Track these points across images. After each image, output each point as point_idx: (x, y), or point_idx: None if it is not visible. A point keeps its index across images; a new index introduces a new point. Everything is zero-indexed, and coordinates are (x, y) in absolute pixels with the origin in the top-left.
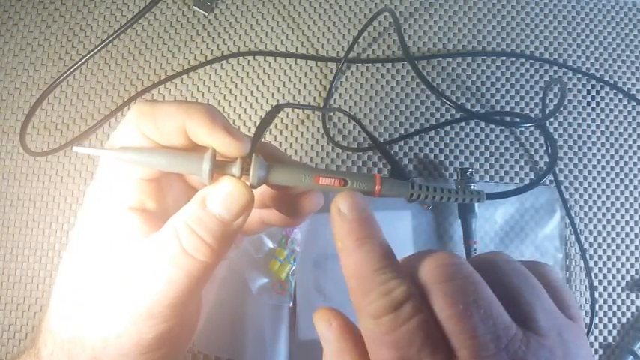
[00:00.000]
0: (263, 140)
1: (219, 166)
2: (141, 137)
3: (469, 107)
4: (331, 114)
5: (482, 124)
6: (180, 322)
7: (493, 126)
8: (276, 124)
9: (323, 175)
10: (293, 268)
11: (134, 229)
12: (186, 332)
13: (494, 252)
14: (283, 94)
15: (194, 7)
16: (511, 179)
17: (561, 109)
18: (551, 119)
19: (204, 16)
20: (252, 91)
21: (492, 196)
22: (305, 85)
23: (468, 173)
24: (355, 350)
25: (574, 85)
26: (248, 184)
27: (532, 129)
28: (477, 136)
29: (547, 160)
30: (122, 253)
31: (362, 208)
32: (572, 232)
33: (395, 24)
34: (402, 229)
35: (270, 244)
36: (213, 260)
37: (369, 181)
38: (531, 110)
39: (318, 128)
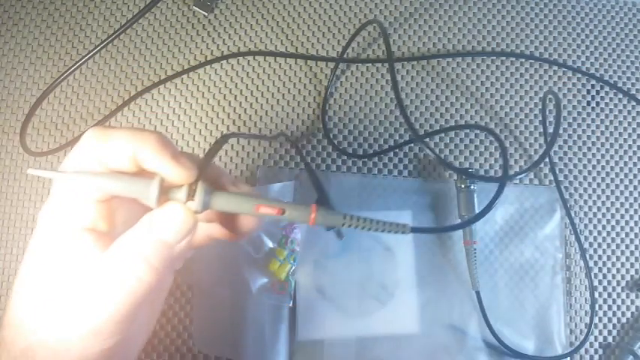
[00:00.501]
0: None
1: (166, 191)
2: (94, 161)
3: (469, 107)
4: (331, 113)
5: (482, 124)
6: (125, 337)
7: (492, 126)
8: (276, 124)
9: (263, 204)
10: (293, 268)
11: (87, 249)
12: (132, 347)
13: None
14: (283, 94)
15: (194, 7)
16: (511, 179)
17: (560, 109)
18: (551, 119)
19: (204, 16)
20: (252, 91)
21: (418, 230)
22: (305, 85)
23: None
24: None
25: (574, 85)
26: (193, 209)
27: (529, 133)
28: (476, 136)
29: (547, 161)
30: (73, 272)
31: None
32: (572, 232)
33: (382, 34)
34: None
35: (270, 244)
36: (158, 280)
37: (305, 211)
38: (531, 110)
39: (318, 128)
